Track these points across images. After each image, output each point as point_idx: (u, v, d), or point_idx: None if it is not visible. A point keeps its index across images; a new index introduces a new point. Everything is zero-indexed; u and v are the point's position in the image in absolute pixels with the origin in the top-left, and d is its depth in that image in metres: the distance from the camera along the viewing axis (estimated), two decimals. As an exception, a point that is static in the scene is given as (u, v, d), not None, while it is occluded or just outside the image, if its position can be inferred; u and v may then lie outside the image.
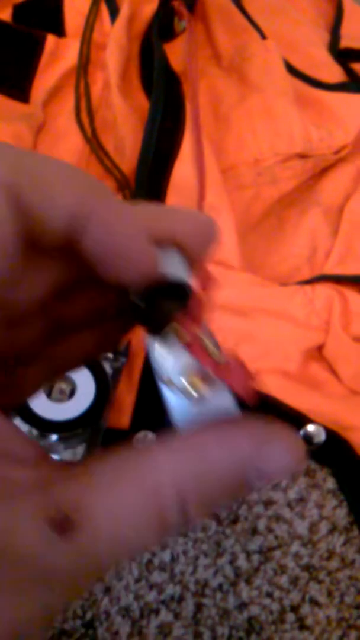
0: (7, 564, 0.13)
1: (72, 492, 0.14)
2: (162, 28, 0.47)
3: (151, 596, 0.34)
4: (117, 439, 0.37)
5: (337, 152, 0.45)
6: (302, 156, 0.44)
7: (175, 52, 0.48)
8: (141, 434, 0.37)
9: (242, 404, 0.16)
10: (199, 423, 0.15)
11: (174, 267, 0.16)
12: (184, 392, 0.15)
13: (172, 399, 0.16)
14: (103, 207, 0.15)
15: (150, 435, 0.37)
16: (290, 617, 0.34)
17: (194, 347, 0.15)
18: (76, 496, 0.13)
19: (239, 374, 0.15)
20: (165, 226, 0.16)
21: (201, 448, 0.14)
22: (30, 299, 0.16)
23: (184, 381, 0.15)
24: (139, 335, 0.40)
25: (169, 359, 0.16)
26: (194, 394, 0.15)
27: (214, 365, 0.15)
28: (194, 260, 0.17)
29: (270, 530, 0.36)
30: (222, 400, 0.15)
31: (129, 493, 0.14)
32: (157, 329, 0.16)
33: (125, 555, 0.14)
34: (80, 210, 0.14)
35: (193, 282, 0.16)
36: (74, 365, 0.20)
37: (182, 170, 0.42)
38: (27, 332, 0.17)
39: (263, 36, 0.49)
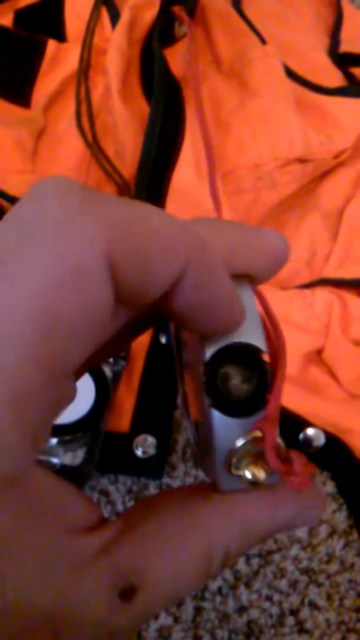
0: (76, 629, 0.14)
1: (134, 558, 0.15)
2: (162, 33, 0.47)
3: (151, 599, 0.34)
4: (117, 442, 0.37)
5: (337, 156, 0.46)
6: (302, 160, 0.44)
7: (176, 57, 0.48)
8: (141, 438, 0.37)
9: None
10: (242, 488, 0.16)
11: (248, 317, 0.15)
12: (241, 478, 0.15)
13: (221, 471, 0.16)
14: (200, 267, 0.14)
15: (150, 439, 0.37)
16: (290, 620, 0.34)
17: (267, 449, 0.15)
18: (138, 562, 0.15)
19: (300, 477, 0.15)
20: (244, 260, 0.15)
21: (248, 514, 0.16)
22: (99, 344, 0.16)
23: (247, 472, 0.15)
24: (139, 340, 0.40)
25: (230, 441, 0.15)
26: (252, 481, 0.15)
27: (281, 467, 0.15)
28: (258, 283, 0.16)
29: (269, 533, 0.36)
30: (272, 479, 0.16)
31: (186, 557, 0.15)
32: (225, 408, 0.15)
33: (172, 604, 0.16)
34: (178, 275, 0.13)
35: (265, 344, 0.15)
36: (100, 362, 0.20)
37: (182, 175, 0.42)
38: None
39: (263, 41, 0.49)
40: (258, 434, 0.15)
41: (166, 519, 0.16)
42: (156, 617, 0.33)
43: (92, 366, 0.19)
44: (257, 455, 0.15)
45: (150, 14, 0.47)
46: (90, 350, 0.13)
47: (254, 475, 0.15)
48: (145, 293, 0.13)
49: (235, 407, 0.15)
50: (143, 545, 0.15)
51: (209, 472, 0.17)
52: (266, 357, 0.15)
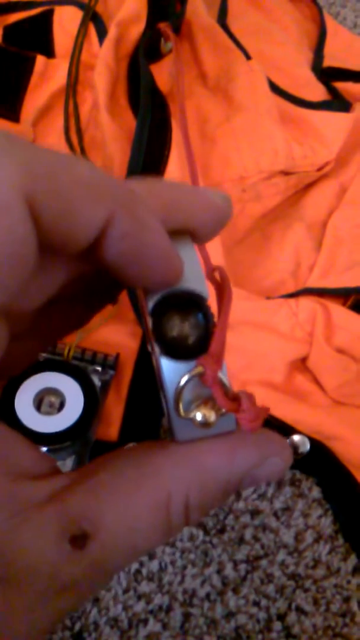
0: (25, 578, 0.14)
1: (86, 504, 0.14)
2: (148, 49, 0.48)
3: (139, 606, 0.34)
4: (106, 450, 0.37)
5: (320, 168, 0.47)
6: (286, 173, 0.45)
7: (162, 73, 0.49)
8: (129, 446, 0.37)
9: None
10: (198, 436, 0.16)
11: (189, 268, 0.15)
12: (193, 420, 0.15)
13: (174, 416, 0.16)
14: (128, 217, 0.14)
15: (138, 447, 0.37)
16: (277, 625, 0.35)
17: (210, 383, 0.15)
18: (90, 509, 0.14)
19: (249, 413, 0.15)
20: (182, 216, 0.16)
21: (205, 460, 0.16)
22: (37, 300, 0.16)
23: (197, 413, 0.15)
24: (127, 349, 0.41)
25: (177, 382, 0.15)
26: (202, 422, 0.15)
27: (228, 403, 0.15)
28: (202, 242, 0.16)
29: (256, 539, 0.37)
30: (227, 424, 0.16)
31: (142, 505, 0.15)
32: (171, 353, 0.15)
33: (133, 561, 0.15)
34: (105, 223, 0.13)
35: (207, 290, 0.16)
36: (61, 335, 0.19)
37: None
38: (25, 319, 0.17)
39: (248, 56, 0.51)
40: (201, 369, 0.15)
41: (121, 468, 0.15)
42: (145, 624, 0.34)
43: (73, 324, 0.19)
44: (207, 399, 0.16)
45: (136, 30, 0.48)
46: (14, 289, 0.13)
47: (204, 416, 0.15)
48: (70, 239, 0.13)
49: (181, 351, 0.15)
50: (96, 493, 0.15)
51: (167, 426, 0.17)
52: (212, 303, 0.16)
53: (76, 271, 0.16)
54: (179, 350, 0.15)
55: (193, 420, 0.15)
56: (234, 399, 0.15)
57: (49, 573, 0.14)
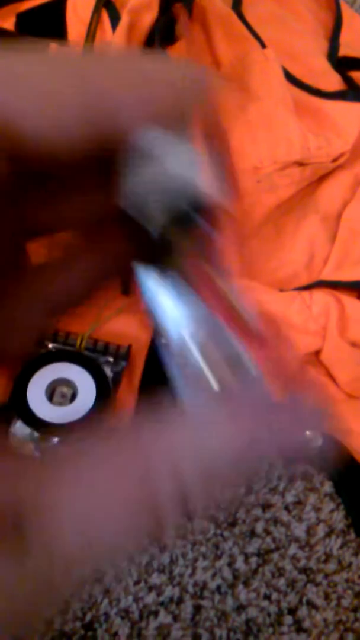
0: None
1: (26, 486, 0.11)
2: (163, 33, 0.48)
3: (150, 598, 0.34)
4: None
5: (335, 159, 0.46)
6: (301, 164, 0.44)
7: (176, 56, 0.48)
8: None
9: None
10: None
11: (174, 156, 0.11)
12: (202, 381, 0.11)
13: (179, 377, 0.11)
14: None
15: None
16: (288, 619, 0.35)
17: (213, 302, 0.10)
18: (30, 492, 0.10)
19: (276, 348, 0.10)
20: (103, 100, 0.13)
21: (202, 421, 0.12)
22: None
23: (205, 370, 0.11)
24: (139, 341, 0.40)
25: (175, 314, 0.11)
26: (215, 386, 0.11)
27: (246, 333, 0.10)
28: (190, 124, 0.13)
29: (268, 532, 0.37)
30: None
31: (107, 480, 0.10)
32: (155, 259, 0.11)
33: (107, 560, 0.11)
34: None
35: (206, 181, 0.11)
36: (64, 307, 0.17)
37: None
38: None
39: (263, 45, 0.50)
40: None
41: (86, 445, 0.12)
42: (156, 615, 0.34)
43: (84, 287, 0.17)
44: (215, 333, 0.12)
45: (149, 17, 0.47)
46: None
47: (217, 376, 0.11)
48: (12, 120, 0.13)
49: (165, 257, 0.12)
50: (41, 473, 0.11)
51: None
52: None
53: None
54: (163, 257, 0.12)
55: (201, 379, 0.11)
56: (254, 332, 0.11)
57: None
